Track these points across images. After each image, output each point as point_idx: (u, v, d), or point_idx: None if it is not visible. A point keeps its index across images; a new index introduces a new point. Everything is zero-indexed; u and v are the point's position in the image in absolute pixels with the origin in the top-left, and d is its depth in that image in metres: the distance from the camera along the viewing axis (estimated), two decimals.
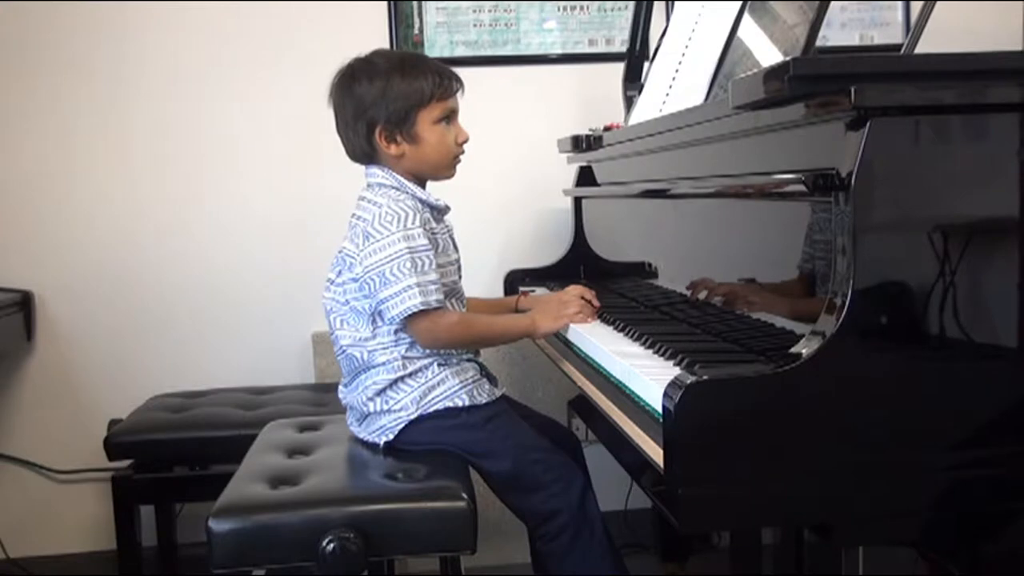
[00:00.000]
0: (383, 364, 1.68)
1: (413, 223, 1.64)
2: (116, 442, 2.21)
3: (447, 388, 1.69)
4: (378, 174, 1.73)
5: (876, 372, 1.08)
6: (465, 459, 1.68)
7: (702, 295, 1.62)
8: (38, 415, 2.65)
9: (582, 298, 1.83)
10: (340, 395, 1.80)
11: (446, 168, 1.76)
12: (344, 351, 1.72)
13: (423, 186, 1.75)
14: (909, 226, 1.10)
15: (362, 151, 1.72)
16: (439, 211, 1.76)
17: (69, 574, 2.61)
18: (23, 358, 2.64)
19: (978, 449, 1.11)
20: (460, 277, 1.80)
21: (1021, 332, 1.11)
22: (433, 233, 1.70)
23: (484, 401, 1.71)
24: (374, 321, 1.68)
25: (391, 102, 1.67)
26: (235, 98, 2.65)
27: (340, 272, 1.72)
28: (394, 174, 1.72)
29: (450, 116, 1.73)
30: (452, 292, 1.75)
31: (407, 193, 1.70)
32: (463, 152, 1.76)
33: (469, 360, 1.76)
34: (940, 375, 1.11)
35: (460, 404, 1.69)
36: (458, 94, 1.74)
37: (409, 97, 1.68)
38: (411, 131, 1.70)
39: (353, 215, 1.72)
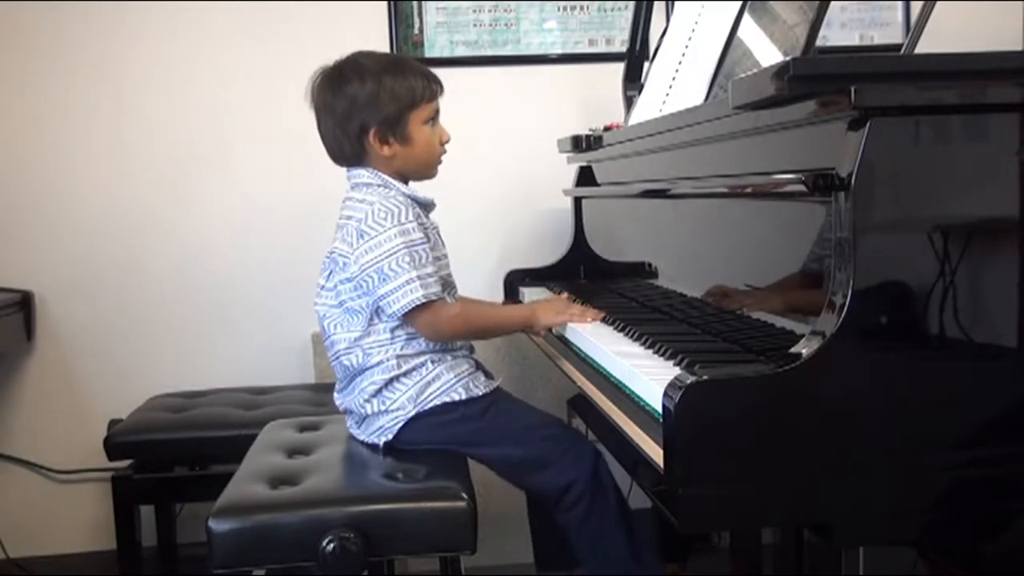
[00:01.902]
0: (378, 364, 1.69)
1: (407, 218, 1.65)
2: (116, 442, 2.21)
3: (443, 383, 1.69)
4: (363, 174, 1.73)
5: (876, 372, 1.08)
6: (470, 452, 1.69)
7: (719, 302, 1.62)
8: (38, 415, 2.65)
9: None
10: (336, 401, 1.80)
11: (431, 168, 1.79)
12: (338, 357, 1.73)
13: (406, 184, 1.76)
14: (909, 226, 1.10)
15: (351, 152, 1.73)
16: (426, 207, 1.77)
17: (69, 574, 2.61)
18: (23, 358, 2.64)
19: (978, 449, 1.11)
20: (450, 272, 1.80)
21: (1021, 332, 1.11)
22: (424, 228, 1.70)
23: (481, 393, 1.71)
24: (370, 320, 1.69)
25: (385, 103, 1.68)
26: (235, 98, 2.65)
27: (331, 274, 1.72)
28: (380, 174, 1.73)
29: (435, 117, 1.76)
30: (447, 286, 1.75)
31: (395, 189, 1.71)
32: (445, 152, 1.78)
33: (464, 356, 1.76)
34: (940, 375, 1.11)
35: (457, 398, 1.69)
36: (439, 96, 1.76)
37: (402, 98, 1.69)
38: (404, 132, 1.71)
39: (342, 216, 1.72)
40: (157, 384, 2.55)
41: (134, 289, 2.65)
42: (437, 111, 1.75)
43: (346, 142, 1.71)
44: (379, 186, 1.71)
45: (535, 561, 1.90)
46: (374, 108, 1.68)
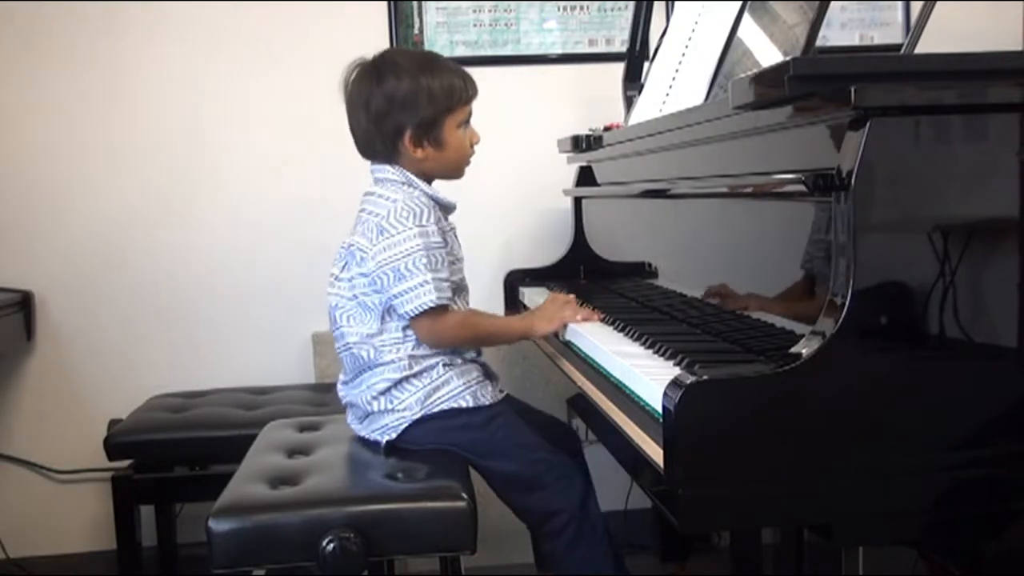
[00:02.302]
0: (389, 363, 1.68)
1: (428, 220, 1.65)
2: (116, 442, 2.21)
3: (451, 389, 1.69)
4: (388, 170, 1.73)
5: (876, 372, 1.08)
6: (467, 459, 1.68)
7: (718, 301, 1.62)
8: (38, 415, 2.65)
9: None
10: (340, 392, 1.79)
11: (460, 170, 1.79)
12: (349, 348, 1.72)
13: (430, 183, 1.76)
14: (909, 226, 1.10)
15: (382, 150, 1.72)
16: (447, 208, 1.77)
17: (69, 574, 2.61)
18: (23, 358, 2.64)
19: (978, 449, 1.11)
20: (463, 276, 1.80)
21: (1021, 332, 1.11)
22: (443, 231, 1.70)
23: (487, 402, 1.72)
24: (383, 317, 1.68)
25: (423, 106, 1.67)
26: (235, 98, 2.65)
27: (347, 266, 1.72)
28: (405, 172, 1.72)
29: (468, 119, 1.75)
30: (459, 289, 1.75)
31: (419, 190, 1.71)
32: (474, 154, 1.78)
33: (473, 361, 1.76)
34: (940, 375, 1.11)
35: (464, 405, 1.69)
36: (475, 98, 1.76)
37: (439, 102, 1.68)
38: (439, 135, 1.70)
39: (362, 210, 1.72)
40: (157, 384, 2.55)
41: (134, 289, 2.65)
42: (471, 114, 1.75)
43: (379, 140, 1.70)
44: (403, 184, 1.71)
45: (535, 562, 1.90)
46: (412, 109, 1.67)
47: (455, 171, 1.78)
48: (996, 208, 1.12)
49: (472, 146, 1.77)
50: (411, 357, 1.68)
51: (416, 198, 1.67)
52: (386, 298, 1.66)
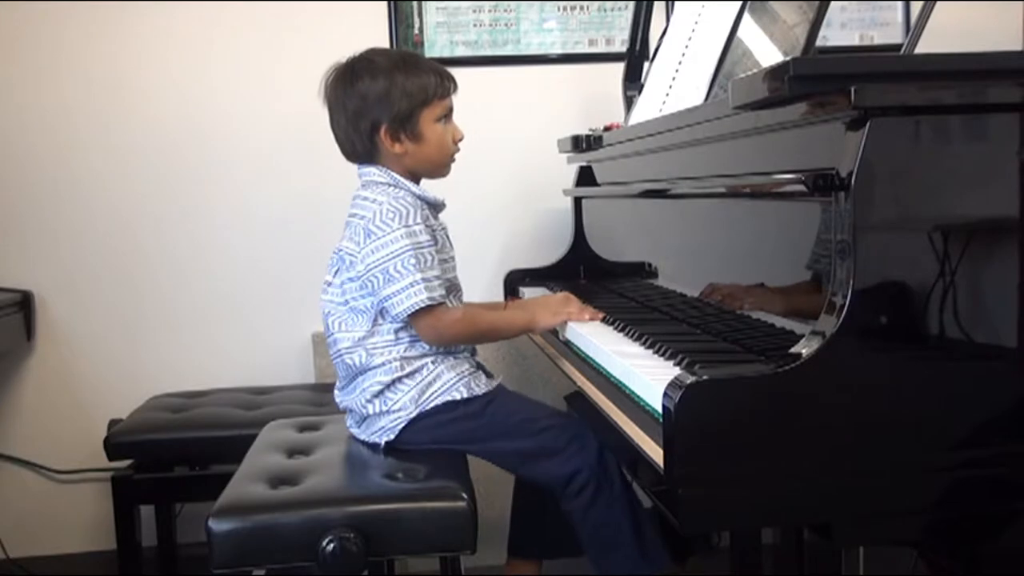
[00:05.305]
0: (381, 365, 1.68)
1: (415, 220, 1.65)
2: (116, 442, 2.21)
3: (444, 383, 1.69)
4: (374, 172, 1.73)
5: (876, 372, 1.08)
6: (473, 450, 1.69)
7: (715, 299, 1.62)
8: (38, 415, 2.65)
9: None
10: (336, 399, 1.80)
11: (444, 167, 1.78)
12: (341, 355, 1.72)
13: (417, 183, 1.76)
14: (909, 226, 1.10)
15: (363, 149, 1.72)
16: (436, 207, 1.77)
17: (69, 574, 2.61)
18: (23, 358, 2.64)
19: (978, 449, 1.11)
20: (456, 275, 1.80)
21: (1021, 332, 1.11)
22: (432, 230, 1.70)
23: (482, 391, 1.71)
24: (375, 320, 1.69)
25: (396, 100, 1.68)
26: (235, 98, 2.65)
27: (338, 272, 1.72)
28: (390, 172, 1.72)
29: (448, 115, 1.74)
30: (452, 288, 1.75)
31: (405, 190, 1.71)
32: (458, 151, 1.77)
33: (465, 357, 1.76)
34: (940, 375, 1.11)
35: (459, 397, 1.69)
36: (453, 93, 1.75)
37: (414, 95, 1.69)
38: (415, 130, 1.70)
39: (350, 214, 1.72)
40: (157, 384, 2.55)
41: (134, 289, 2.65)
42: (450, 109, 1.75)
43: (358, 139, 1.71)
44: (389, 185, 1.71)
45: (508, 547, 1.90)
46: (386, 105, 1.68)
47: (438, 167, 1.77)
48: (996, 208, 1.12)
49: (455, 143, 1.76)
50: (403, 359, 1.68)
51: (401, 199, 1.67)
52: (378, 300, 1.66)
